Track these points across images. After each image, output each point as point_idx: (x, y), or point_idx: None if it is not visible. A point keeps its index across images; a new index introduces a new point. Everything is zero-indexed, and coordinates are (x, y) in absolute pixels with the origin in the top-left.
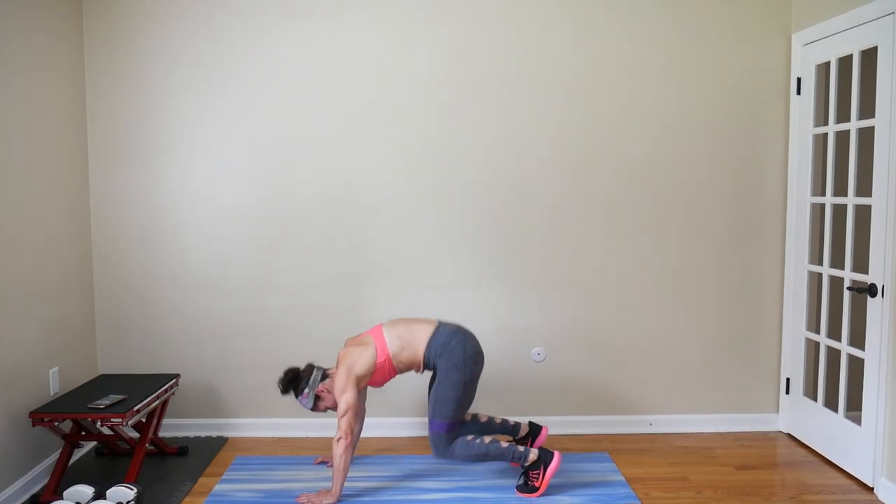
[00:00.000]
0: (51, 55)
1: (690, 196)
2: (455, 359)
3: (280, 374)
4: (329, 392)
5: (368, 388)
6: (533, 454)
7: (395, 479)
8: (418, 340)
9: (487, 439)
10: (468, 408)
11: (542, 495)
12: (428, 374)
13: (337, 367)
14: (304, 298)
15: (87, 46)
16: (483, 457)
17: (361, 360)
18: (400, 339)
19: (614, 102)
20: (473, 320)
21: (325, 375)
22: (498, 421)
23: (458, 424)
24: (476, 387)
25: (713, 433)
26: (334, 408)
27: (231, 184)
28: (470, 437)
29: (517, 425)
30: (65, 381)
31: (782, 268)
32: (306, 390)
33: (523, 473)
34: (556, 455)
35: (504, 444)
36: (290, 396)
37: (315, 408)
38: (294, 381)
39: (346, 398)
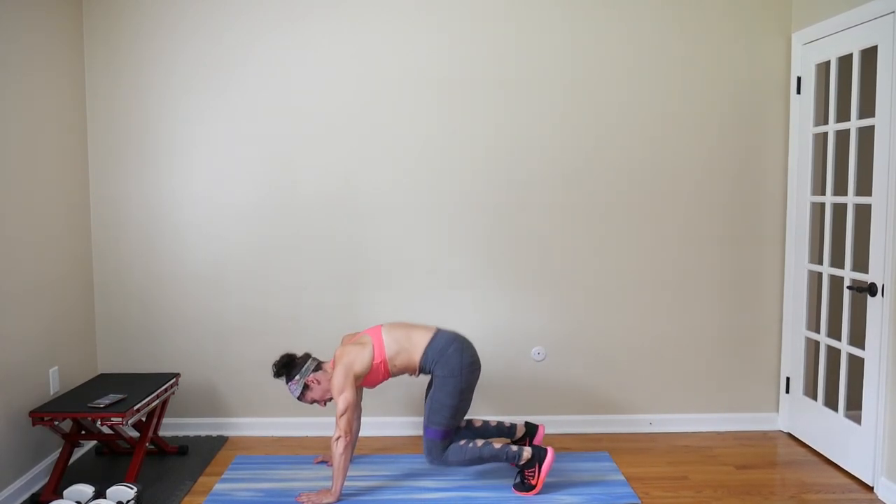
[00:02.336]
0: (51, 55)
1: (690, 195)
2: (452, 366)
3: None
4: (318, 383)
5: (364, 388)
6: (527, 452)
7: (394, 479)
8: (415, 346)
9: (480, 442)
10: (464, 415)
11: (542, 493)
12: (425, 378)
13: (334, 364)
14: (303, 298)
15: (87, 46)
16: (478, 460)
17: (360, 359)
18: (397, 344)
19: (614, 102)
20: (473, 320)
21: (318, 367)
22: (493, 424)
23: (452, 432)
24: (472, 395)
25: (713, 433)
26: (321, 401)
27: (231, 184)
28: (462, 442)
29: (513, 426)
30: (65, 381)
31: (782, 267)
32: (297, 377)
33: (519, 472)
34: (550, 451)
35: (497, 446)
36: (289, 394)
37: (302, 396)
38: (287, 366)
39: (344, 397)
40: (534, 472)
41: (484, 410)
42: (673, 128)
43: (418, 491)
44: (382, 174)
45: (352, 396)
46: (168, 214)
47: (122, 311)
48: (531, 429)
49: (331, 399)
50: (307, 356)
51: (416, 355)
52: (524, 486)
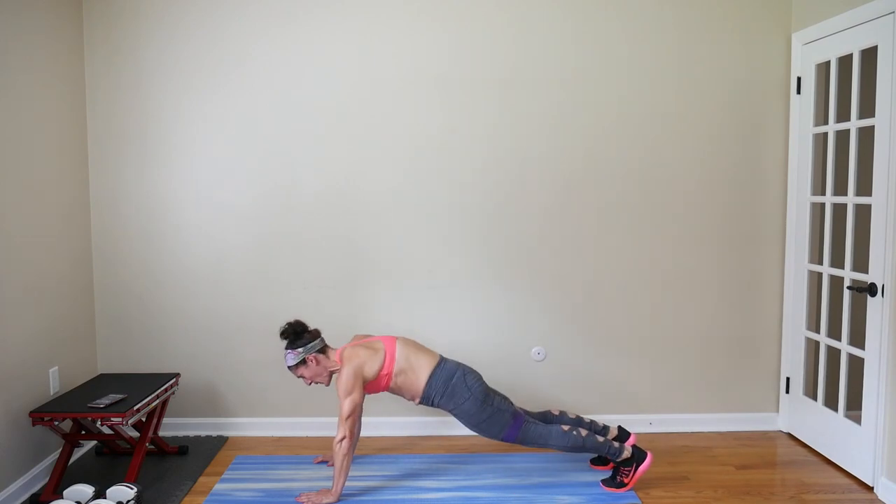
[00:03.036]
0: (51, 55)
1: (690, 195)
2: (461, 394)
3: (287, 371)
4: (316, 363)
5: None
6: (627, 451)
7: (394, 479)
8: (420, 371)
9: (584, 432)
10: (510, 404)
11: (542, 493)
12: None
13: (340, 358)
14: (303, 298)
15: (87, 46)
16: (580, 448)
17: (371, 363)
18: (406, 362)
19: (614, 102)
20: (473, 320)
21: (323, 349)
22: (587, 420)
23: (520, 418)
24: (494, 392)
25: (713, 433)
26: (308, 380)
27: (231, 183)
28: (566, 428)
29: (606, 427)
30: (65, 381)
31: (782, 267)
32: (300, 350)
33: (614, 469)
34: (649, 455)
35: (600, 439)
36: (288, 394)
37: (294, 368)
38: (297, 334)
39: (352, 399)
40: (629, 471)
41: None
42: (673, 128)
43: (418, 491)
44: (382, 174)
45: (359, 399)
46: (168, 214)
47: (122, 311)
48: (623, 434)
49: (319, 382)
50: (317, 333)
51: (420, 381)
52: (615, 482)
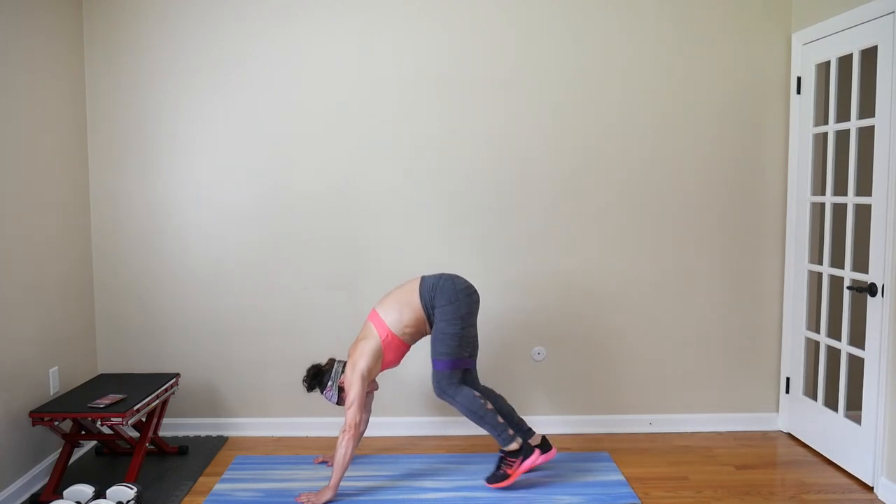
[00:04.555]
0: (51, 55)
1: (690, 195)
2: (447, 294)
3: (287, 372)
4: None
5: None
6: (517, 443)
7: (394, 479)
8: (411, 294)
9: (490, 406)
10: (469, 348)
11: (542, 493)
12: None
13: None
14: (303, 298)
15: (87, 46)
16: (479, 418)
17: (365, 351)
18: (396, 304)
19: (614, 101)
20: None
21: (344, 367)
22: (517, 418)
23: (460, 363)
24: (475, 323)
25: (713, 433)
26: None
27: (231, 184)
28: (478, 394)
29: (531, 431)
30: (65, 381)
31: (782, 267)
32: (329, 384)
33: (499, 460)
34: (537, 452)
35: (500, 420)
36: (290, 395)
37: (340, 401)
38: (317, 376)
39: (352, 391)
40: (515, 462)
41: None
42: (673, 128)
43: (418, 491)
44: (382, 174)
45: (359, 391)
46: (168, 214)
47: (122, 311)
48: (545, 445)
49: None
50: (332, 361)
51: (415, 302)
52: (497, 475)
